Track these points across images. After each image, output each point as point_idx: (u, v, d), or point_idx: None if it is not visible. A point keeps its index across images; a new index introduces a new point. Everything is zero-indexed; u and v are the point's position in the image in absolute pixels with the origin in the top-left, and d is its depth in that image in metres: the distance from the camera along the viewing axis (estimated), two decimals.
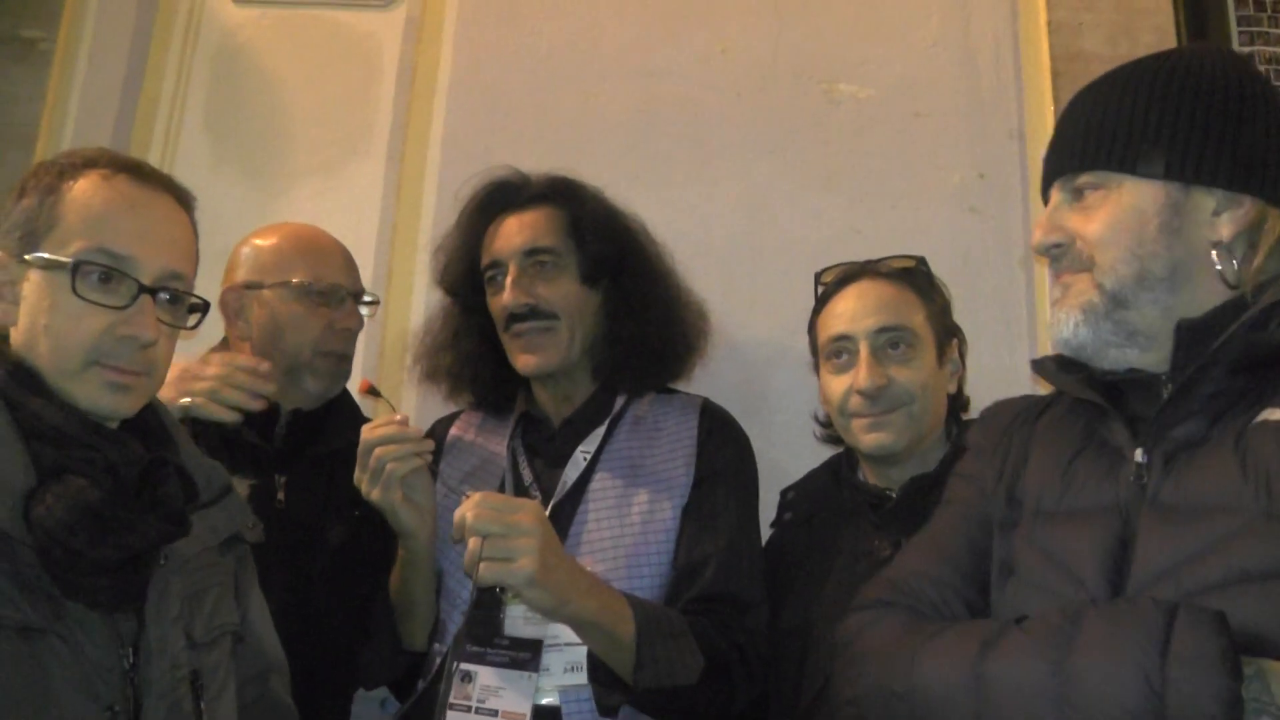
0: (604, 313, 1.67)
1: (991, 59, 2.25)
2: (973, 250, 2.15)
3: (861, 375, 1.53)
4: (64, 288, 1.11)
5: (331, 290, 1.72)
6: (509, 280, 1.63)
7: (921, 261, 1.65)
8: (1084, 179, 1.11)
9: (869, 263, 1.63)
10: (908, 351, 1.55)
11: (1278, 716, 0.85)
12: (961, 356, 1.66)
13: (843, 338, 1.58)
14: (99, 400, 1.13)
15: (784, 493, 1.74)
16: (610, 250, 1.66)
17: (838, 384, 1.59)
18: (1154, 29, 2.20)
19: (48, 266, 1.11)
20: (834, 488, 1.65)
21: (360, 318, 1.79)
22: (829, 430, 1.75)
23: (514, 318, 1.63)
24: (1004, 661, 0.97)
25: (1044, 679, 0.93)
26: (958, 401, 1.64)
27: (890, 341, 1.55)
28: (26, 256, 1.12)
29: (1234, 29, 2.17)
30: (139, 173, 1.19)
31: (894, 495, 1.55)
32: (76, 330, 1.11)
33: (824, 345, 1.62)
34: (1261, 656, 0.89)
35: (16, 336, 1.13)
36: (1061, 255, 1.13)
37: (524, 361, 1.63)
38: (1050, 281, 1.17)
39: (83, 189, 1.14)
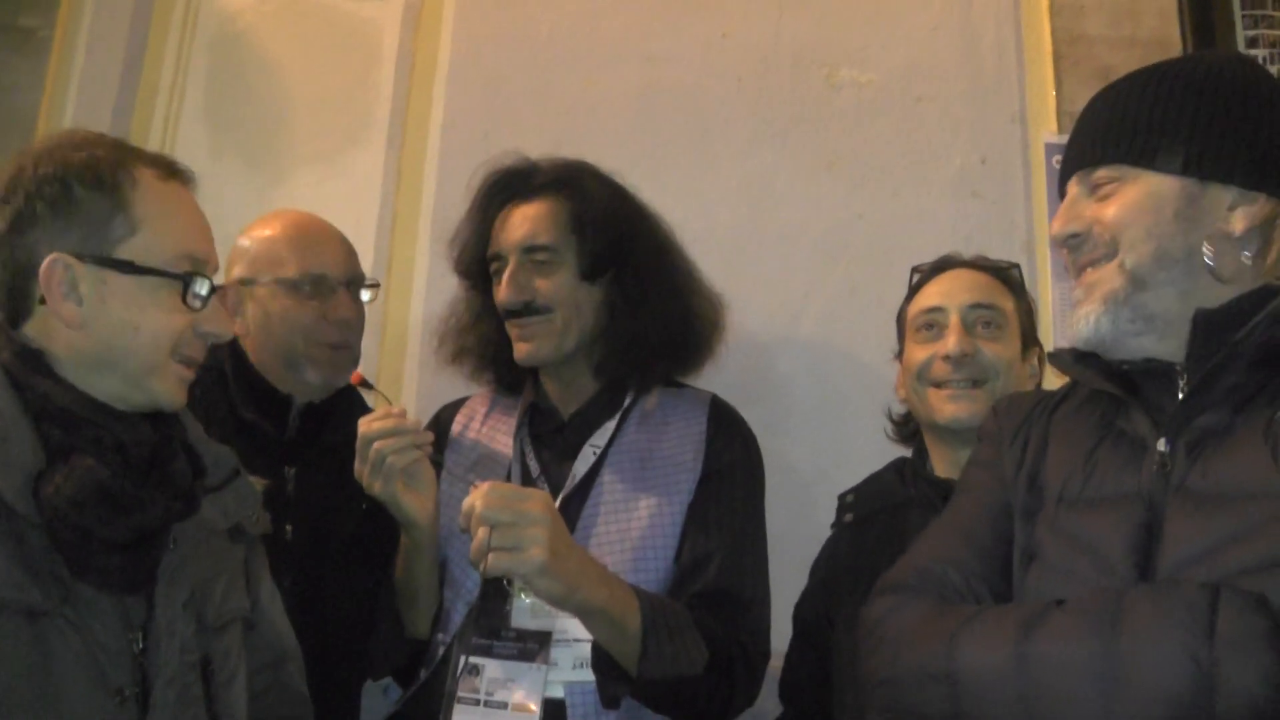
0: (604, 307, 1.64)
1: (993, 43, 2.24)
2: (975, 235, 2.13)
3: (951, 341, 1.58)
4: (164, 293, 1.14)
5: (319, 281, 1.72)
6: (506, 275, 1.63)
7: (1015, 267, 1.71)
8: (1101, 173, 1.13)
9: (965, 259, 1.69)
10: (997, 331, 1.60)
11: None
12: (1041, 366, 1.68)
13: (934, 310, 1.63)
14: (176, 394, 1.18)
15: (842, 496, 1.74)
16: (610, 246, 1.63)
17: (921, 352, 1.62)
18: (1157, 11, 2.18)
19: (146, 274, 1.13)
20: (899, 486, 1.66)
21: (355, 306, 1.77)
22: (903, 428, 1.77)
23: (510, 313, 1.64)
24: (1051, 643, 0.97)
25: (1092, 660, 0.94)
26: None
27: (982, 319, 1.60)
28: (102, 259, 1.12)
29: (1238, 14, 2.15)
30: (177, 171, 1.22)
31: None
32: (169, 326, 1.15)
33: (913, 319, 1.66)
34: None
35: (80, 336, 1.12)
36: (1080, 245, 1.14)
37: (520, 350, 1.64)
38: (1067, 281, 1.17)
39: (152, 194, 1.16)
